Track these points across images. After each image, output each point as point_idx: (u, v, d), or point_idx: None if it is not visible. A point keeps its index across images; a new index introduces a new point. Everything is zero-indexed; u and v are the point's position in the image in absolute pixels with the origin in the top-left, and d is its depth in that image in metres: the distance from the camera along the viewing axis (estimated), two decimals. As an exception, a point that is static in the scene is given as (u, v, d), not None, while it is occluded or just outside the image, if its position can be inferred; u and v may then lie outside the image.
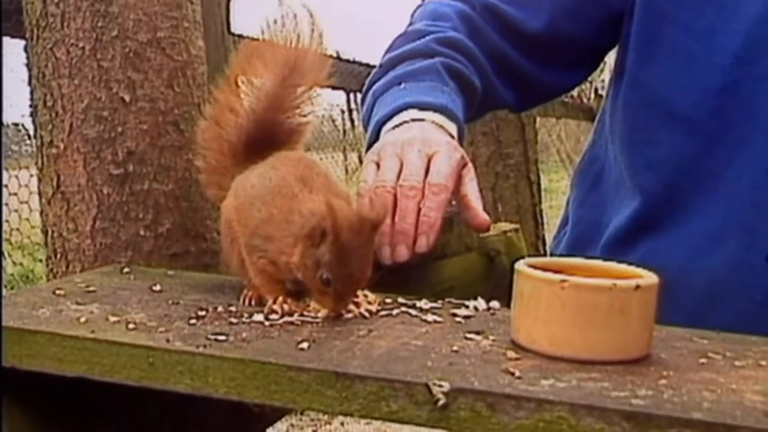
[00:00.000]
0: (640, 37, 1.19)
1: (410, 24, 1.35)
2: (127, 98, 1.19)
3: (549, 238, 4.17)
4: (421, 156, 1.03)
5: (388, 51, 1.31)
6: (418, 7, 1.38)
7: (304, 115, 1.09)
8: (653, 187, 1.18)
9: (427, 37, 1.25)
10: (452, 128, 1.13)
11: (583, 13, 1.26)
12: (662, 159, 1.17)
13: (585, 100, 6.14)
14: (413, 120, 1.11)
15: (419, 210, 0.99)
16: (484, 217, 1.03)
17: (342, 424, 3.69)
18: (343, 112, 5.90)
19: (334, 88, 3.40)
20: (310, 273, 0.90)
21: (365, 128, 1.27)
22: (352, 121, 5.40)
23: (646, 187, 1.18)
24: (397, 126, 1.11)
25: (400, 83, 1.19)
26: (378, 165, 1.05)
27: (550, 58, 1.31)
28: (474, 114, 1.32)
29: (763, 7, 1.10)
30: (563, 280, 0.76)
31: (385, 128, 1.13)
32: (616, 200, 1.26)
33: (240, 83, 1.09)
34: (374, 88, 1.24)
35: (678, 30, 1.16)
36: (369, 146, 1.16)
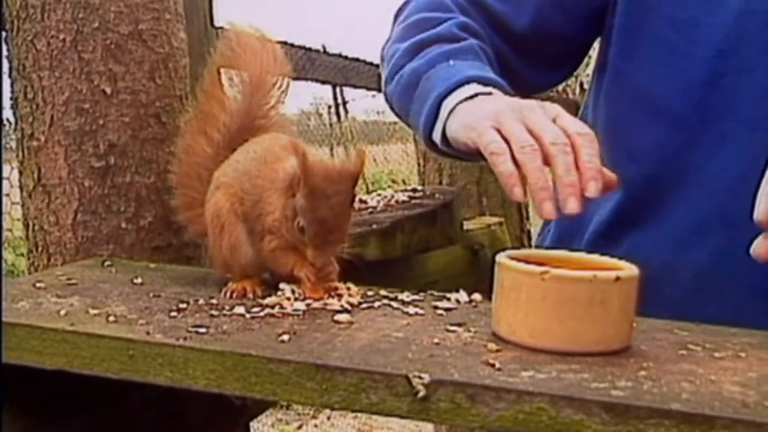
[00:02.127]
0: (624, 30, 1.19)
1: (404, 17, 1.32)
2: (108, 90, 1.18)
3: (534, 232, 4.16)
4: (548, 117, 0.99)
5: (396, 41, 1.25)
6: (404, 4, 1.36)
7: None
8: (635, 179, 1.17)
9: (446, 23, 1.21)
10: None
11: (567, 6, 1.26)
12: (645, 151, 1.17)
13: (570, 95, 6.15)
14: (481, 94, 1.06)
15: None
16: (611, 175, 0.98)
17: (328, 417, 3.68)
18: (329, 107, 5.88)
19: (320, 82, 3.38)
20: (289, 225, 0.91)
21: (401, 112, 1.22)
22: (338, 115, 5.38)
23: (628, 180, 1.18)
24: (470, 98, 1.07)
25: (447, 59, 1.14)
26: (497, 130, 0.99)
27: (537, 55, 1.30)
28: None
29: None
30: (544, 272, 0.76)
31: (448, 101, 1.08)
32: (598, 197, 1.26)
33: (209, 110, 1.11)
34: (410, 67, 1.18)
35: (661, 22, 1.16)
36: (429, 122, 1.11)
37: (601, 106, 1.24)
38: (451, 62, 1.14)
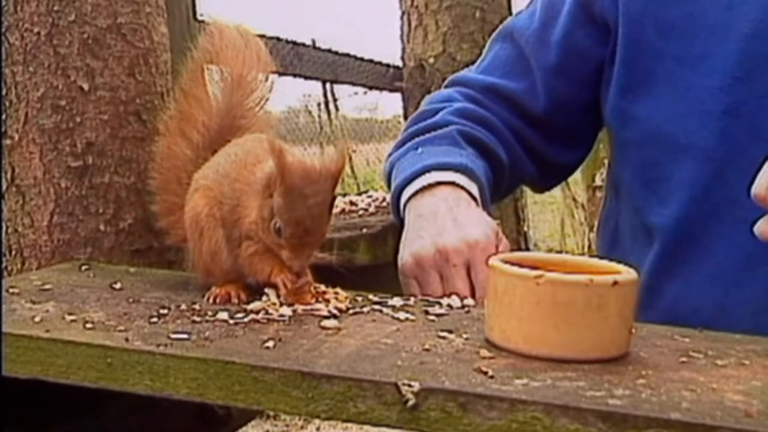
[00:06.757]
0: (631, 77, 1.17)
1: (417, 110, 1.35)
2: (85, 87, 1.15)
3: (531, 234, 4.13)
4: (462, 273, 1.03)
5: (401, 132, 1.31)
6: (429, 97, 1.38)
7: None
8: (669, 223, 1.14)
9: (441, 112, 1.26)
10: (473, 188, 1.13)
11: (569, 72, 1.25)
12: (675, 192, 1.13)
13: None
14: (438, 183, 1.11)
15: None
16: None
17: (318, 428, 3.66)
18: (319, 104, 5.85)
19: (308, 78, 3.36)
20: (266, 227, 0.89)
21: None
22: (328, 112, 5.36)
23: (662, 225, 1.15)
24: (419, 192, 1.12)
25: (417, 148, 1.20)
26: (418, 282, 1.05)
27: (559, 131, 1.30)
28: (506, 187, 1.32)
29: (754, 22, 1.08)
30: (538, 276, 0.74)
31: (406, 193, 1.13)
32: (635, 250, 1.22)
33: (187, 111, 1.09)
34: (393, 156, 1.25)
35: (670, 62, 1.14)
36: (396, 213, 1.16)
37: (625, 157, 1.22)
38: (420, 150, 1.19)
